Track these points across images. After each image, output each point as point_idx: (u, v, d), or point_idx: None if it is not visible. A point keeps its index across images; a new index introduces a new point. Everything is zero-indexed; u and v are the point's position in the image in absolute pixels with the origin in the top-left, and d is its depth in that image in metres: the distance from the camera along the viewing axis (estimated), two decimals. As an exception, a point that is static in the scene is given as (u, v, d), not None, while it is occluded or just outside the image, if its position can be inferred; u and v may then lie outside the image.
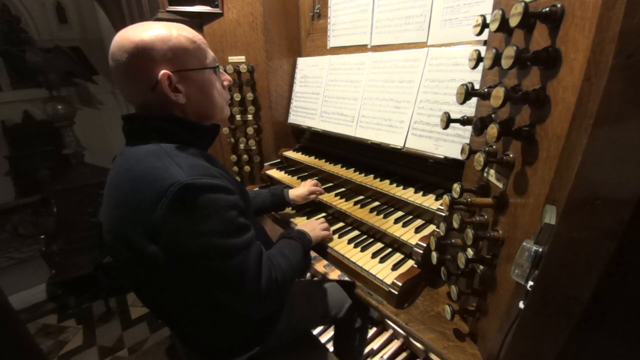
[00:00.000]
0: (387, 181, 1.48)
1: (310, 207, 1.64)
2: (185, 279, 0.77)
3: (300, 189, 1.51)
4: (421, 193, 1.34)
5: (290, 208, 1.64)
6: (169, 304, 0.86)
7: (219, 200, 0.73)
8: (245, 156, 2.04)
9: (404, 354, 1.15)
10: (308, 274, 1.72)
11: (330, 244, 1.34)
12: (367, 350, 1.51)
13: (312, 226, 1.29)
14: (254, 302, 0.81)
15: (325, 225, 1.36)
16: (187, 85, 0.82)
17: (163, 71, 0.76)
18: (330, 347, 1.42)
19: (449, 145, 1.22)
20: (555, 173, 0.61)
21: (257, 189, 1.67)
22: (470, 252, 0.88)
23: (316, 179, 1.74)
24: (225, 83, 0.95)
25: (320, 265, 1.31)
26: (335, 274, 1.24)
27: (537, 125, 0.66)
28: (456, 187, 0.89)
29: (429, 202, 1.28)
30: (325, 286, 1.27)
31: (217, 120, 0.94)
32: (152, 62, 0.76)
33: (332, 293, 1.26)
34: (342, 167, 1.71)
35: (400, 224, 1.29)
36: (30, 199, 2.91)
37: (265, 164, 2.05)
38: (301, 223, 1.46)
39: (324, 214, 1.60)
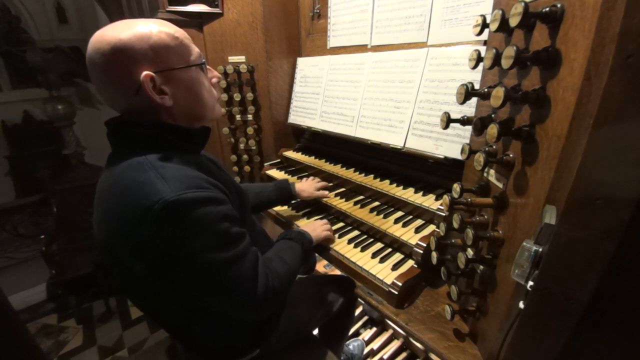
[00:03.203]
0: (387, 181, 1.48)
1: (310, 207, 1.64)
2: (178, 289, 0.76)
3: (306, 185, 1.51)
4: (421, 193, 1.34)
5: (291, 208, 1.64)
6: (164, 312, 0.85)
7: (208, 214, 0.69)
8: (245, 156, 2.04)
9: (404, 354, 1.15)
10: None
11: (330, 244, 1.34)
12: (367, 350, 1.51)
13: (313, 227, 1.27)
14: (250, 310, 0.80)
15: (328, 226, 1.34)
16: (173, 85, 0.76)
17: (145, 72, 0.70)
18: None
19: (449, 145, 1.22)
20: (555, 173, 0.61)
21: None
22: (470, 252, 0.88)
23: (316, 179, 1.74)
24: (214, 80, 0.89)
25: (320, 266, 1.31)
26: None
27: (537, 125, 0.66)
28: (456, 187, 0.89)
29: (429, 202, 1.28)
30: (325, 285, 1.28)
31: (209, 120, 0.88)
32: (133, 63, 0.70)
33: (331, 291, 1.26)
34: (342, 167, 1.70)
35: (400, 224, 1.29)
36: (30, 199, 2.90)
37: (265, 164, 2.05)
38: (302, 224, 1.45)
39: (324, 214, 1.60)
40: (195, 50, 0.82)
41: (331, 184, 1.71)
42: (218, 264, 0.71)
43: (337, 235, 1.40)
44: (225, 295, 0.75)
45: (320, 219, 1.52)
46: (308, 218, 1.55)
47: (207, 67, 0.87)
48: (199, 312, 0.85)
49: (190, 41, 0.81)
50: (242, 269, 0.75)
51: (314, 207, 1.64)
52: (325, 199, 1.53)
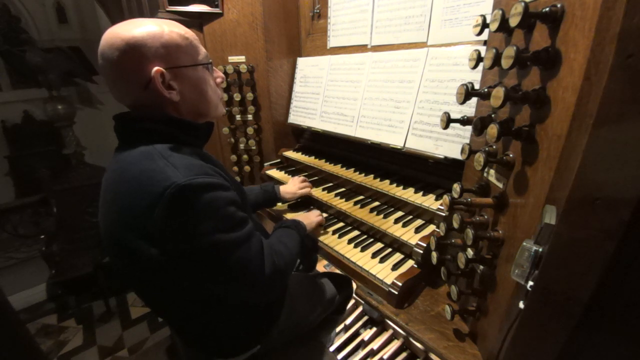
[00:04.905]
0: (387, 181, 1.48)
1: (310, 207, 1.64)
2: (187, 276, 0.78)
3: (289, 186, 1.55)
4: (421, 193, 1.34)
5: (287, 206, 1.66)
6: (170, 303, 0.87)
7: (217, 198, 0.73)
8: (245, 156, 2.04)
9: (404, 354, 1.15)
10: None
11: (330, 244, 1.34)
12: (367, 350, 1.51)
13: (305, 216, 1.34)
14: (259, 290, 0.84)
15: (317, 212, 1.41)
16: (181, 82, 0.80)
17: (156, 68, 0.75)
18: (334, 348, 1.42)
19: (449, 145, 1.22)
20: (555, 173, 0.61)
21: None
22: (470, 252, 0.88)
23: (316, 179, 1.75)
24: (219, 80, 0.94)
25: (320, 266, 1.31)
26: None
27: (537, 125, 0.66)
28: (456, 187, 0.89)
29: (429, 202, 1.28)
30: (323, 282, 1.29)
31: (211, 118, 0.93)
32: (144, 59, 0.74)
33: (329, 289, 1.28)
34: (342, 167, 1.71)
35: (400, 224, 1.29)
36: (30, 199, 2.90)
37: (265, 164, 2.05)
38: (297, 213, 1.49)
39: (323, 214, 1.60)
40: (203, 50, 0.87)
41: (331, 184, 1.71)
42: (227, 245, 0.74)
43: (337, 236, 1.40)
44: (234, 277, 0.78)
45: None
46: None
47: (213, 67, 0.92)
48: (203, 305, 0.86)
49: (199, 42, 0.86)
50: (250, 250, 0.79)
51: (312, 205, 1.64)
52: (325, 199, 1.54)
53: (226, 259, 0.75)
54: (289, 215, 1.58)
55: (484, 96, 0.75)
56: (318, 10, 1.91)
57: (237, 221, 0.78)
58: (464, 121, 0.87)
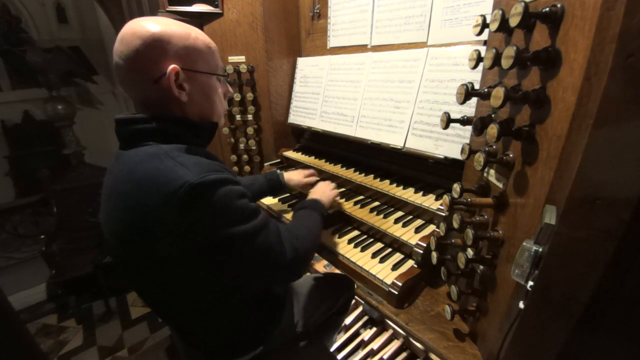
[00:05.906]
0: (387, 181, 1.48)
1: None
2: (200, 276, 0.78)
3: (295, 174, 1.55)
4: (421, 193, 1.34)
5: (287, 205, 1.65)
6: (173, 303, 0.86)
7: (229, 193, 0.74)
8: (245, 156, 2.04)
9: (404, 354, 1.15)
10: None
11: (330, 244, 1.34)
12: (367, 350, 1.51)
13: (322, 191, 1.32)
14: (283, 274, 0.87)
15: (333, 185, 1.40)
16: (192, 85, 0.82)
17: (173, 65, 0.76)
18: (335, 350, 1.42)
19: (449, 145, 1.22)
20: (555, 173, 0.61)
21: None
22: (470, 252, 0.88)
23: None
24: (228, 94, 0.98)
25: (320, 266, 1.31)
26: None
27: (537, 125, 0.66)
28: (456, 187, 0.89)
29: (429, 202, 1.28)
30: (325, 284, 1.29)
31: None
32: (164, 55, 0.76)
33: (331, 290, 1.27)
34: (342, 167, 1.71)
35: (400, 224, 1.29)
36: (30, 199, 2.90)
37: (265, 164, 2.05)
38: (311, 190, 1.44)
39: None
40: (221, 64, 0.91)
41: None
42: (246, 236, 0.76)
43: (337, 236, 1.40)
44: (258, 264, 0.80)
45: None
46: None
47: (226, 82, 0.96)
48: (210, 303, 0.86)
49: (218, 54, 0.90)
50: (268, 237, 0.81)
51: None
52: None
53: (246, 249, 0.76)
54: (289, 215, 1.57)
55: (484, 96, 0.75)
56: (318, 10, 1.91)
57: (251, 212, 0.79)
58: (464, 121, 0.87)
